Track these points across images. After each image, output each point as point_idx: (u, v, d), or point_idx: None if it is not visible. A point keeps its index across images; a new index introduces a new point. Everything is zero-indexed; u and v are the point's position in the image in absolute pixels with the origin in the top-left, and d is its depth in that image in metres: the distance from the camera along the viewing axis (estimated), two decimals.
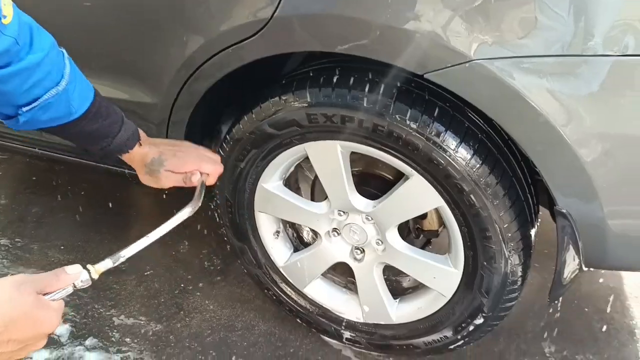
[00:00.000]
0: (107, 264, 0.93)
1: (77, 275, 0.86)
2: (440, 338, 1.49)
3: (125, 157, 1.18)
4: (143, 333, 1.78)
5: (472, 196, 1.21)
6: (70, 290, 0.85)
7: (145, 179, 1.22)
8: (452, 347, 1.50)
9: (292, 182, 1.63)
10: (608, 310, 1.78)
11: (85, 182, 2.51)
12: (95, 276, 0.89)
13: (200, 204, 1.19)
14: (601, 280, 1.88)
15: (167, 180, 1.20)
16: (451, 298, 1.41)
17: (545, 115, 1.02)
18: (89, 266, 0.89)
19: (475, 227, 1.26)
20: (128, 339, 1.77)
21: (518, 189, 1.24)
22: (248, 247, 1.63)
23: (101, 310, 1.88)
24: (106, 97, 1.48)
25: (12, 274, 0.79)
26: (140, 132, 1.20)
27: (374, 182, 1.47)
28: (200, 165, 1.22)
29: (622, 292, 1.85)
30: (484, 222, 1.23)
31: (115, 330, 1.80)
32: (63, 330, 1.79)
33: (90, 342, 1.76)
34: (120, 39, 1.39)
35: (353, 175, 1.47)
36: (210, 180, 1.24)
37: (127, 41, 1.38)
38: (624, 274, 1.90)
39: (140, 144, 1.17)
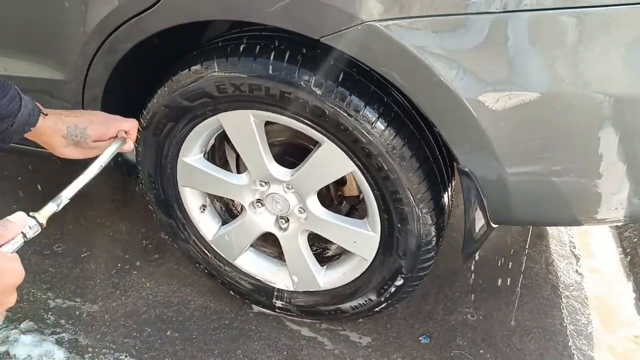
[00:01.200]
0: (51, 207, 0.89)
1: (24, 222, 0.82)
2: (366, 301, 1.52)
3: (31, 135, 1.07)
4: (78, 314, 1.78)
5: (380, 159, 1.23)
6: (21, 241, 0.81)
7: (68, 152, 1.11)
8: (377, 309, 1.53)
9: (219, 156, 1.63)
10: (530, 266, 1.84)
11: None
12: (43, 222, 0.84)
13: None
14: (524, 236, 1.93)
15: (96, 150, 1.11)
16: (372, 262, 1.44)
17: (438, 74, 1.04)
18: (32, 213, 0.85)
19: (386, 190, 1.28)
20: (63, 321, 1.76)
21: (426, 150, 1.27)
22: (176, 223, 1.63)
23: (37, 293, 1.86)
24: (15, 76, 1.46)
25: None
26: (37, 104, 1.08)
27: (295, 152, 1.48)
28: (120, 125, 1.13)
29: (547, 249, 1.91)
30: (394, 185, 1.26)
31: (50, 313, 1.79)
32: None
33: (26, 325, 1.74)
34: (24, 12, 1.36)
35: (276, 145, 1.48)
36: (132, 136, 1.15)
37: (30, 13, 1.35)
38: (549, 229, 1.97)
39: (45, 115, 1.06)
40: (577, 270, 1.84)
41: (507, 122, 1.09)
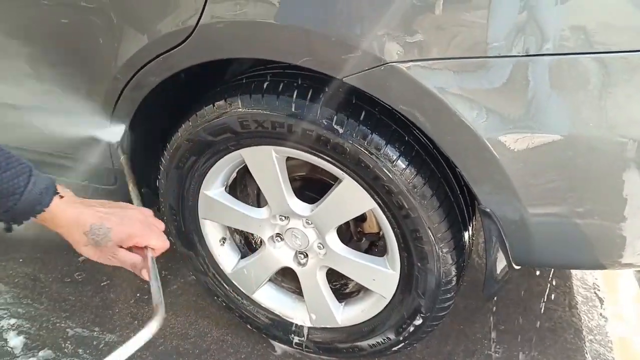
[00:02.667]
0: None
1: None
2: (384, 340, 1.50)
3: (44, 220, 0.93)
4: (96, 344, 1.78)
5: (400, 197, 1.23)
6: None
7: (87, 251, 0.97)
8: (395, 348, 1.51)
9: (240, 188, 1.65)
10: (554, 308, 1.80)
11: None
12: None
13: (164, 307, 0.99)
14: (547, 277, 1.90)
15: (120, 259, 0.99)
16: (391, 300, 1.43)
17: (459, 115, 1.05)
18: None
19: (406, 228, 1.28)
20: (81, 350, 1.76)
21: (447, 189, 1.26)
22: (195, 254, 1.64)
23: (56, 321, 1.88)
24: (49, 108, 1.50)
25: None
26: (62, 187, 0.95)
27: (316, 187, 1.49)
28: (148, 238, 1.02)
29: (570, 290, 1.87)
30: (414, 223, 1.25)
31: (68, 342, 1.80)
32: (17, 342, 1.79)
33: (44, 354, 1.76)
34: (59, 45, 1.40)
35: (296, 180, 1.49)
36: (156, 253, 1.05)
37: (64, 45, 1.39)
38: (573, 271, 1.93)
39: (61, 197, 0.93)
40: (601, 314, 1.80)
41: (529, 163, 1.08)
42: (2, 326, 1.85)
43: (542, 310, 1.79)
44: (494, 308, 1.74)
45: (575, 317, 1.77)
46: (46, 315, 1.90)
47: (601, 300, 1.84)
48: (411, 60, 1.04)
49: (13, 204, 0.87)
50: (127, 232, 0.97)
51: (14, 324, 1.86)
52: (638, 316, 1.78)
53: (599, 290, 1.88)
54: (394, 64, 1.04)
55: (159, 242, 1.04)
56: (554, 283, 1.89)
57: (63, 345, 1.78)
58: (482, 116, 1.05)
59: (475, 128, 1.05)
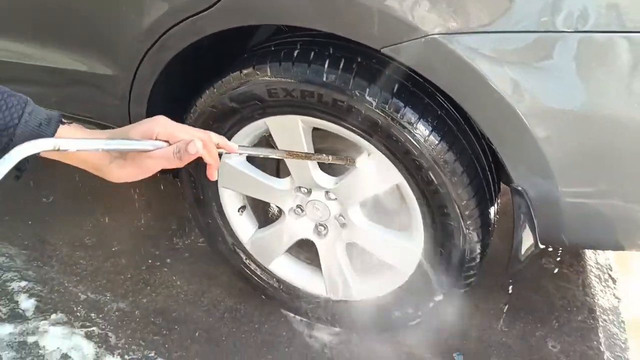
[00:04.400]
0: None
1: None
2: (402, 314, 1.50)
3: (61, 156, 0.80)
4: (108, 309, 1.78)
5: (430, 173, 1.21)
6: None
7: (116, 171, 0.85)
8: (412, 322, 1.51)
9: (259, 158, 1.62)
10: (567, 287, 1.81)
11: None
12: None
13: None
14: (563, 257, 1.90)
15: (155, 155, 0.83)
16: (412, 275, 1.42)
17: (500, 91, 1.02)
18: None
19: (433, 204, 1.26)
20: (93, 315, 1.76)
21: (477, 166, 1.25)
22: (212, 223, 1.63)
23: (67, 285, 1.87)
24: (65, 70, 1.46)
25: None
26: (59, 115, 0.81)
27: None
28: (190, 132, 0.87)
29: (583, 270, 1.88)
30: (442, 199, 1.24)
31: (80, 306, 1.79)
32: (29, 304, 1.79)
33: (56, 317, 1.75)
34: (80, 8, 1.36)
35: (321, 151, 1.46)
36: (210, 152, 0.89)
37: (86, 10, 1.35)
38: (588, 251, 1.93)
39: (70, 123, 0.81)
40: (614, 294, 1.80)
41: (565, 141, 1.06)
42: (13, 288, 1.84)
43: (556, 290, 1.79)
44: (509, 286, 1.74)
45: (589, 296, 1.78)
46: (57, 279, 1.89)
47: (614, 281, 1.85)
48: (453, 33, 1.01)
49: (9, 140, 0.75)
50: (146, 126, 0.84)
51: (24, 287, 1.85)
52: None
53: (611, 270, 1.88)
54: (435, 35, 1.01)
55: (199, 133, 0.88)
56: (567, 263, 1.89)
57: (75, 309, 1.78)
58: (522, 92, 1.03)
59: (514, 104, 1.03)
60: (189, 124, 1.40)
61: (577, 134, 1.05)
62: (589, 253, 1.93)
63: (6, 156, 0.67)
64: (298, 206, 1.50)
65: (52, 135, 0.78)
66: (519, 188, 1.15)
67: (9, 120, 0.75)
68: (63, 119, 0.80)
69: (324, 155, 1.28)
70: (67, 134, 0.79)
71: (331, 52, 1.21)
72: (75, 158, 0.83)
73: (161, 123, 0.85)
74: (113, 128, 1.44)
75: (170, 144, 0.84)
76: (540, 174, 1.11)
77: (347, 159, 1.31)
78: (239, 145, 0.97)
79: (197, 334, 1.69)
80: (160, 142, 0.83)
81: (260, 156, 1.23)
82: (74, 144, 0.75)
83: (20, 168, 0.74)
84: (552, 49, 0.99)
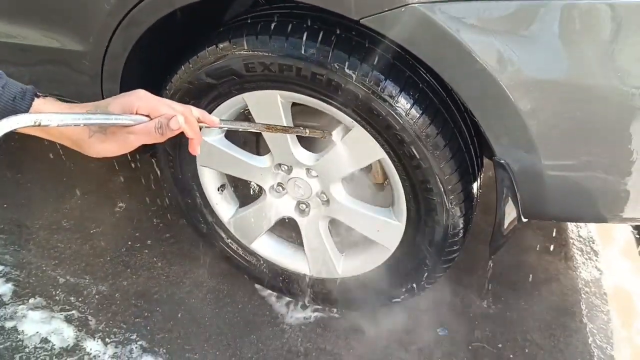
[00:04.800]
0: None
1: None
2: (385, 291, 1.49)
3: (37, 130, 0.78)
4: (88, 292, 1.75)
5: (412, 147, 1.19)
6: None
7: (96, 146, 0.82)
8: (396, 299, 1.50)
9: (238, 135, 1.59)
10: (550, 260, 1.82)
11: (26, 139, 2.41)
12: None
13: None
14: (545, 230, 1.90)
15: (135, 130, 0.80)
16: (395, 251, 1.41)
17: (483, 62, 1.00)
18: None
19: (416, 179, 1.24)
20: (72, 298, 1.73)
21: (459, 140, 1.23)
22: (192, 202, 1.59)
23: (45, 269, 1.83)
24: (36, 47, 1.41)
25: None
26: (33, 88, 0.79)
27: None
28: (171, 106, 0.84)
29: (565, 243, 1.88)
30: (424, 174, 1.22)
31: (59, 290, 1.76)
32: (6, 289, 1.75)
33: (34, 301, 1.72)
34: None
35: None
36: (192, 126, 0.86)
37: None
38: (570, 224, 1.93)
39: (45, 97, 0.79)
40: (596, 266, 1.81)
41: (548, 113, 1.05)
42: None
43: (538, 263, 1.80)
44: (490, 261, 1.74)
45: (571, 269, 1.79)
46: (35, 263, 1.85)
47: (596, 253, 1.86)
48: (435, 2, 0.98)
49: None
50: (127, 99, 0.81)
51: (1, 271, 1.81)
52: (632, 269, 1.81)
53: (593, 243, 1.90)
54: (416, 4, 0.98)
55: (180, 107, 0.86)
56: (549, 236, 1.89)
57: (54, 293, 1.74)
58: (504, 63, 1.01)
59: (497, 76, 1.01)
60: None
61: (560, 105, 1.03)
62: (571, 226, 1.93)
63: None
64: (279, 184, 1.47)
65: (27, 109, 0.75)
66: (502, 161, 1.14)
67: None
68: (37, 92, 0.77)
69: (301, 128, 1.26)
70: (42, 108, 0.76)
71: (309, 24, 1.17)
72: (53, 132, 0.80)
73: (142, 97, 0.82)
74: None
75: (151, 119, 0.81)
76: (523, 147, 1.10)
77: (324, 132, 1.29)
78: (220, 119, 0.94)
79: (179, 315, 1.67)
80: (141, 117, 0.80)
81: (240, 129, 1.21)
82: (55, 118, 0.72)
83: None
84: (535, 17, 0.97)
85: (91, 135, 0.82)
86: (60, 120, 0.72)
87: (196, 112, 0.90)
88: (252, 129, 1.16)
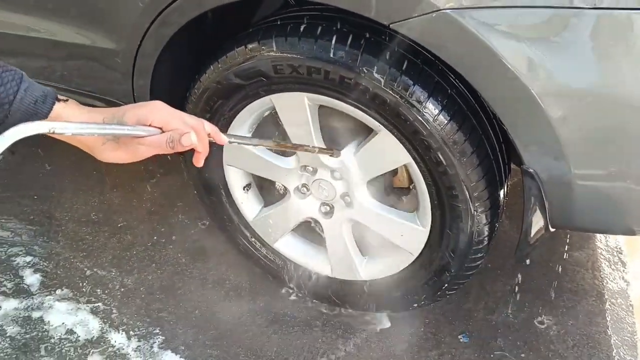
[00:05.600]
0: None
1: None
2: (407, 295, 1.48)
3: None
4: (113, 285, 1.78)
5: (439, 153, 1.18)
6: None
7: (108, 153, 0.86)
8: (418, 304, 1.49)
9: (266, 136, 1.60)
10: (576, 270, 1.79)
11: None
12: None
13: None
14: (573, 239, 1.87)
15: (147, 142, 0.83)
16: (418, 256, 1.40)
17: (514, 70, 0.99)
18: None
19: (442, 185, 1.23)
20: (99, 290, 1.76)
21: (487, 147, 1.22)
22: (217, 201, 1.61)
23: (73, 260, 1.87)
24: (68, 43, 1.43)
25: None
26: (55, 92, 0.81)
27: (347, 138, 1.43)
28: (184, 121, 0.85)
29: (593, 253, 1.85)
30: (451, 180, 1.21)
31: (86, 282, 1.79)
32: (33, 279, 1.79)
33: (61, 293, 1.75)
34: None
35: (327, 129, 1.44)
36: (203, 142, 0.88)
37: None
38: (596, 235, 1.90)
39: (66, 101, 0.81)
40: (623, 277, 1.78)
41: (581, 122, 1.03)
42: (18, 263, 1.84)
43: (564, 272, 1.77)
44: (517, 268, 1.71)
45: (597, 279, 1.76)
46: (63, 254, 1.89)
47: (624, 264, 1.82)
48: (466, 8, 0.97)
49: (4, 117, 0.75)
50: (142, 111, 0.83)
51: (30, 262, 1.85)
52: None
53: (621, 253, 1.86)
54: (446, 10, 0.97)
55: (194, 121, 0.87)
56: (576, 245, 1.86)
57: (81, 284, 1.78)
58: (536, 71, 1.00)
59: (528, 83, 1.00)
60: (193, 100, 1.39)
61: (592, 114, 1.02)
62: (599, 235, 1.90)
63: (0, 137, 0.67)
64: (303, 185, 1.47)
65: (48, 112, 0.78)
66: (530, 170, 1.12)
67: (4, 96, 0.74)
68: (59, 96, 0.79)
69: (311, 146, 1.29)
70: (62, 112, 0.79)
71: (339, 27, 1.18)
72: (69, 137, 0.82)
73: (157, 109, 0.84)
74: (115, 103, 1.42)
75: (163, 131, 0.83)
76: (552, 156, 1.08)
77: (334, 151, 1.32)
78: (228, 134, 0.96)
79: (202, 311, 1.69)
80: (154, 129, 0.83)
81: (250, 145, 1.27)
82: (69, 127, 0.74)
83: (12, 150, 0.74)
84: (568, 26, 0.95)
85: (104, 142, 0.85)
86: (75, 129, 0.75)
87: (208, 127, 0.92)
88: (262, 144, 1.20)
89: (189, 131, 0.83)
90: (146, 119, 0.82)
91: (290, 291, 1.74)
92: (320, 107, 1.31)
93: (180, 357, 1.56)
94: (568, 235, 1.86)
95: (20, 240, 1.93)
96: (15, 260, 1.84)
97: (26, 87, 0.76)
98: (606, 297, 1.71)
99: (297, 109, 1.30)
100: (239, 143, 1.20)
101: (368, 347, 1.58)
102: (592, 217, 1.20)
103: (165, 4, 1.22)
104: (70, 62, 1.55)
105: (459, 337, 1.59)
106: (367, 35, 1.15)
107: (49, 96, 0.78)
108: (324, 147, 1.33)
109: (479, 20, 0.97)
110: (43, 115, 0.78)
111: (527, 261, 1.67)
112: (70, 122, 0.77)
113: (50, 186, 2.16)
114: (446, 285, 1.40)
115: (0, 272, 1.80)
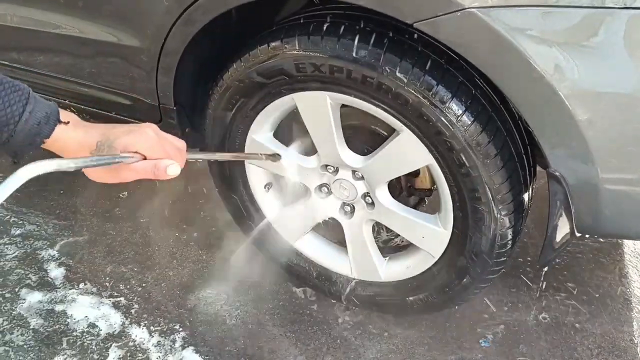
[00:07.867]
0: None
1: None
2: (428, 298, 1.46)
3: (49, 147, 0.86)
4: (135, 280, 1.80)
5: (462, 155, 1.16)
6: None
7: (95, 173, 0.91)
8: (439, 307, 1.47)
9: (286, 135, 1.59)
10: (603, 276, 1.74)
11: None
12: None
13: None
14: (600, 245, 1.83)
15: (129, 172, 0.90)
16: (439, 259, 1.38)
17: (540, 70, 0.96)
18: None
19: (464, 187, 1.21)
20: (121, 285, 1.78)
21: (512, 149, 1.19)
22: (239, 199, 1.61)
23: (97, 255, 1.89)
24: (94, 40, 1.45)
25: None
26: (66, 113, 0.87)
27: (368, 138, 1.42)
28: (166, 151, 0.93)
29: (621, 259, 1.80)
30: (473, 182, 1.19)
31: (108, 276, 1.82)
32: (57, 273, 1.82)
33: (84, 287, 1.78)
34: None
35: (348, 129, 1.43)
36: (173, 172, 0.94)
37: None
38: (624, 240, 1.85)
39: (66, 123, 0.86)
40: None
41: (610, 125, 1.00)
42: (43, 256, 1.88)
43: (590, 278, 1.73)
44: (543, 272, 1.68)
45: (625, 286, 1.71)
46: (87, 249, 1.92)
47: None
48: (492, 7, 0.95)
49: (9, 136, 0.80)
50: (130, 139, 0.89)
51: (54, 256, 1.88)
52: None
53: None
54: (472, 9, 0.95)
55: (179, 156, 0.96)
56: (604, 251, 1.82)
57: (103, 279, 1.80)
58: (564, 72, 0.97)
59: (556, 85, 0.97)
60: (215, 98, 1.39)
61: (621, 116, 0.98)
62: (626, 241, 1.85)
63: (11, 177, 0.73)
64: (324, 185, 1.47)
65: (50, 133, 0.84)
66: (557, 173, 1.09)
67: (10, 117, 0.79)
68: (61, 117, 0.85)
69: (259, 154, 1.41)
70: (61, 135, 0.85)
71: (362, 26, 1.16)
72: (66, 156, 0.88)
73: (144, 138, 0.90)
74: (139, 101, 1.43)
75: (146, 158, 0.90)
76: (580, 159, 1.05)
77: (274, 156, 1.41)
78: (187, 152, 1.02)
79: (221, 309, 1.70)
80: (138, 156, 0.89)
81: (209, 160, 1.44)
82: (73, 164, 0.82)
83: (15, 161, 0.84)
84: (598, 27, 0.93)
85: None
86: (76, 164, 0.82)
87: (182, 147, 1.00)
88: (220, 158, 1.31)
89: (174, 163, 0.92)
90: (134, 147, 0.89)
91: (310, 291, 1.73)
92: (343, 106, 1.30)
93: (200, 355, 1.56)
94: (595, 240, 1.82)
95: (45, 234, 1.96)
96: (40, 254, 1.88)
97: (31, 110, 0.81)
98: (633, 304, 1.66)
99: (318, 108, 1.29)
100: (196, 159, 1.28)
101: (388, 348, 1.57)
102: (620, 223, 1.17)
103: (189, 3, 1.23)
104: (97, 60, 1.56)
105: (480, 341, 1.57)
106: (391, 35, 1.14)
107: (52, 118, 0.84)
108: (269, 153, 1.41)
109: (505, 20, 0.95)
110: (45, 135, 0.84)
111: (552, 266, 1.64)
112: (73, 158, 0.83)
113: (76, 181, 2.20)
114: (467, 288, 1.38)
115: (25, 265, 1.83)
